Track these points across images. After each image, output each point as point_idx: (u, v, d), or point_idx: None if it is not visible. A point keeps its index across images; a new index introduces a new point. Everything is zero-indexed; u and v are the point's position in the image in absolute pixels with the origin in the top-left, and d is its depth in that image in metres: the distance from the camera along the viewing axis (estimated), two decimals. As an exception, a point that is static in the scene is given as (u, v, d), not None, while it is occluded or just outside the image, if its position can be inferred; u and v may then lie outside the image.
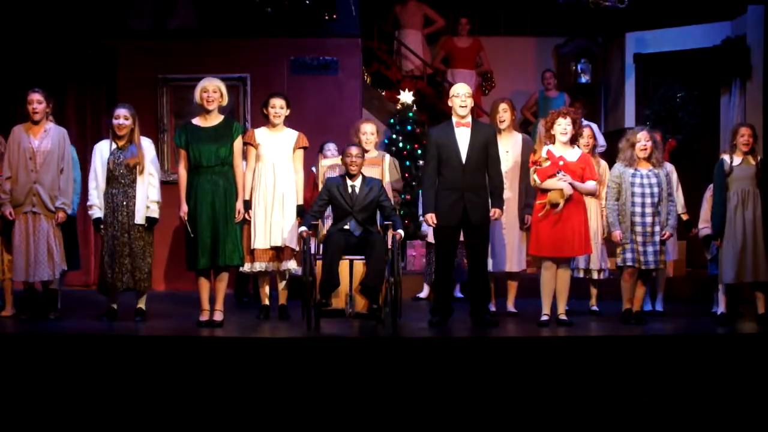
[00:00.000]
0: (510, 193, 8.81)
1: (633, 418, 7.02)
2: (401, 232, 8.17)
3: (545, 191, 8.25)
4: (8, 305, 8.79)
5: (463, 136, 8.23)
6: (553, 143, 8.37)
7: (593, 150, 9.25)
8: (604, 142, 11.80)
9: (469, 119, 8.28)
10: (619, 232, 8.34)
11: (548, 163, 8.23)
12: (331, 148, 9.87)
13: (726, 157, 8.64)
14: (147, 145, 8.51)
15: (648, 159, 8.44)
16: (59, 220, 8.47)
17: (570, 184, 8.20)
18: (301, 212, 8.55)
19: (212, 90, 8.23)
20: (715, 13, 12.12)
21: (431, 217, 8.22)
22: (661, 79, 12.62)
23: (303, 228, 8.07)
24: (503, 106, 8.95)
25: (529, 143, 8.97)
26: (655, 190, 8.36)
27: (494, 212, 8.29)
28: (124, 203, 8.35)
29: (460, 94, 8.29)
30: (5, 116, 10.97)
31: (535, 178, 8.28)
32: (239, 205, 8.26)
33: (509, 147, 8.80)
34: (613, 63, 13.39)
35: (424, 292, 10.40)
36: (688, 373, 7.26)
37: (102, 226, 8.40)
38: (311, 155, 9.07)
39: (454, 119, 8.29)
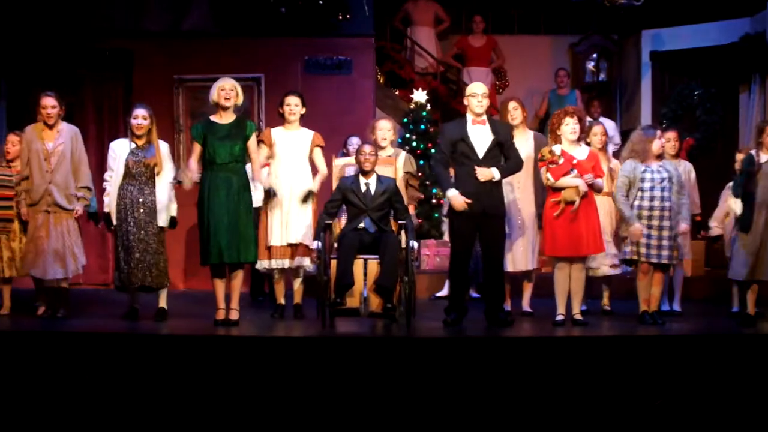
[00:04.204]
0: (521, 192, 8.79)
1: (649, 419, 6.98)
2: (415, 246, 8.12)
3: (557, 190, 8.21)
4: (42, 304, 8.81)
5: (477, 134, 8.18)
6: (560, 143, 8.33)
7: (605, 147, 9.21)
8: (620, 140, 11.76)
9: (484, 117, 8.24)
10: (639, 225, 8.24)
11: (562, 160, 8.19)
12: (353, 142, 9.87)
13: (753, 153, 8.56)
14: (164, 147, 8.59)
15: (659, 156, 8.37)
16: (76, 214, 8.51)
17: (587, 182, 8.15)
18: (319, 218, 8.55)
19: (229, 88, 8.26)
20: (733, 9, 12.04)
21: (458, 198, 8.04)
22: (678, 77, 12.57)
23: (316, 244, 8.06)
24: (513, 104, 8.93)
25: (542, 140, 8.94)
26: (666, 184, 8.28)
27: (488, 171, 8.10)
28: (140, 200, 8.40)
29: (477, 94, 8.24)
30: (24, 117, 11.04)
31: (548, 176, 8.22)
32: (261, 179, 8.37)
33: (521, 144, 8.73)
34: (628, 61, 13.34)
35: (444, 291, 10.31)
36: (706, 374, 7.20)
37: (113, 224, 8.46)
38: (327, 153, 9.07)
39: (470, 117, 8.25)
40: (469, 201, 8.05)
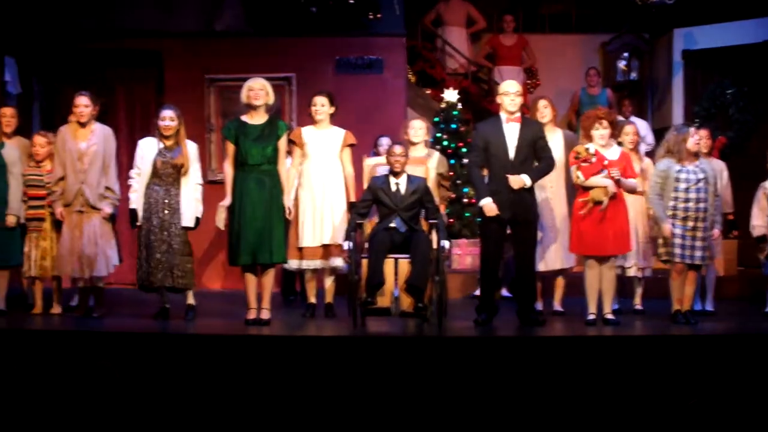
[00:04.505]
0: (552, 191, 8.76)
1: (682, 420, 6.94)
2: (447, 245, 8.11)
3: (586, 189, 8.19)
4: (56, 303, 8.92)
5: (511, 132, 8.18)
6: (592, 142, 8.31)
7: (637, 147, 9.19)
8: (653, 140, 11.69)
9: (518, 115, 8.23)
10: (669, 226, 8.21)
11: (595, 159, 8.16)
12: (384, 143, 9.86)
13: None
14: (192, 148, 8.61)
15: (695, 155, 8.34)
16: (104, 214, 8.55)
17: (617, 180, 8.14)
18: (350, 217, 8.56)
19: (258, 88, 8.31)
20: (765, 7, 11.93)
21: (491, 206, 8.09)
22: (710, 76, 12.48)
23: (347, 244, 8.07)
24: (543, 102, 8.93)
25: (571, 138, 8.94)
26: (702, 185, 8.24)
27: (519, 179, 8.10)
28: (165, 201, 8.43)
29: (510, 92, 8.23)
30: (55, 117, 11.13)
31: (578, 174, 8.20)
32: (287, 202, 8.31)
33: (551, 143, 8.69)
34: (660, 60, 13.26)
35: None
36: (739, 374, 7.15)
37: (138, 222, 8.48)
38: (358, 153, 9.08)
39: (503, 116, 8.24)
40: (499, 212, 8.06)
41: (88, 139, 8.58)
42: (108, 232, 8.64)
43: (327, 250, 8.63)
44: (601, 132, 8.26)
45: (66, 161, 8.55)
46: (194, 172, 8.56)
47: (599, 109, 8.62)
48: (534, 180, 8.20)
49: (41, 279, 8.92)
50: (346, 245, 8.08)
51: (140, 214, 8.48)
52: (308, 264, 8.64)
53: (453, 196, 10.18)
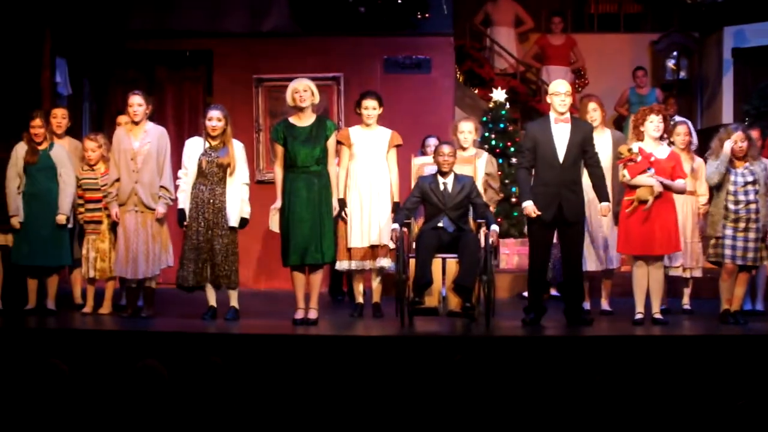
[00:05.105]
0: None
1: (731, 420, 6.88)
2: (496, 228, 8.12)
3: (633, 188, 8.16)
4: (107, 302, 8.99)
5: (560, 133, 8.15)
6: (642, 140, 8.27)
7: (688, 147, 9.14)
8: (696, 140, 11.62)
9: (567, 116, 8.21)
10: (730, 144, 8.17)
11: (640, 158, 8.13)
12: (431, 143, 9.87)
13: None
14: (239, 148, 8.63)
15: (743, 157, 8.28)
16: (158, 214, 8.62)
17: (661, 182, 8.10)
18: (397, 210, 8.59)
19: (302, 89, 8.31)
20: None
21: (531, 207, 8.12)
22: (761, 74, 12.36)
23: (395, 226, 8.09)
24: (593, 105, 8.90)
25: (619, 137, 8.94)
26: (750, 187, 8.20)
27: (605, 208, 8.25)
28: (211, 201, 8.45)
29: (560, 93, 8.20)
30: (106, 118, 11.26)
31: (624, 173, 8.18)
32: (335, 203, 8.35)
33: (600, 143, 8.68)
34: (709, 58, 13.17)
35: None
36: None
37: (185, 222, 8.52)
38: (406, 152, 9.10)
39: (553, 116, 8.22)
40: (539, 212, 8.06)
41: (141, 138, 8.62)
42: (158, 234, 8.68)
43: (374, 251, 8.65)
44: (656, 124, 8.20)
45: (120, 161, 8.63)
46: (241, 172, 8.56)
47: (654, 105, 8.62)
48: (606, 195, 8.27)
49: (98, 280, 9.00)
50: (395, 227, 8.06)
51: (187, 213, 8.54)
52: (356, 264, 8.67)
53: (501, 196, 10.18)
